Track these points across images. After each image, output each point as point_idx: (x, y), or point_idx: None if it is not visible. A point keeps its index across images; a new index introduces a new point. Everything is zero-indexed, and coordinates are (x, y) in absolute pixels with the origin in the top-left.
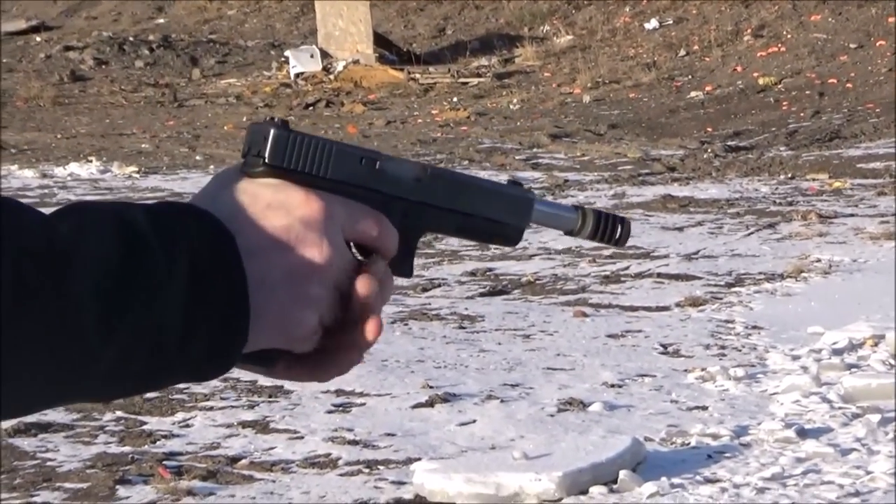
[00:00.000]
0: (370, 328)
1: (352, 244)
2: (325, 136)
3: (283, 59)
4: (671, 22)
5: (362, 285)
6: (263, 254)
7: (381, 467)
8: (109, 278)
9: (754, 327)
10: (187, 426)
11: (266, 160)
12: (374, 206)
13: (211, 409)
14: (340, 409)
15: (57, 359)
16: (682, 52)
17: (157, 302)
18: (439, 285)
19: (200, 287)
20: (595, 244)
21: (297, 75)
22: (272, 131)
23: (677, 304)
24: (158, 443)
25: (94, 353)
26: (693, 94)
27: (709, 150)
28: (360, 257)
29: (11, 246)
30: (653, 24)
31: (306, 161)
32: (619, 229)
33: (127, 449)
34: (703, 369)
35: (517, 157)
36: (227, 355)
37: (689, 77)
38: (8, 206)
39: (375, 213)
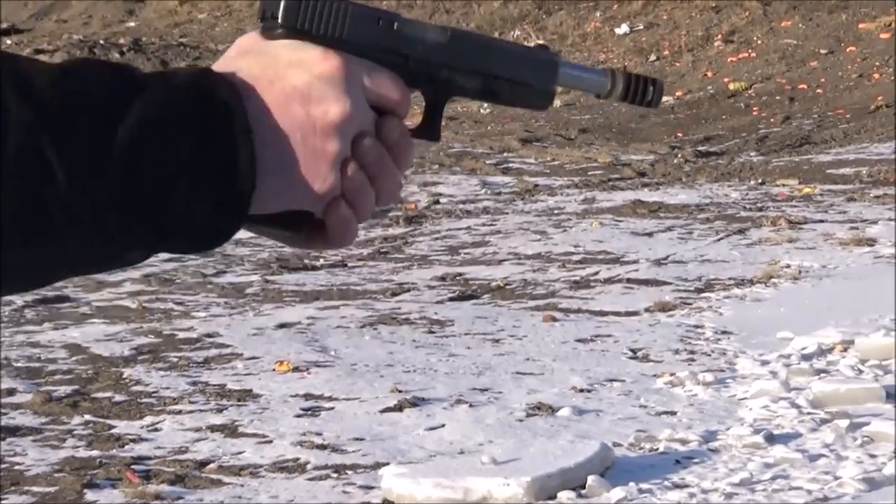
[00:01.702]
0: (388, 188)
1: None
2: None
3: None
4: (642, 27)
5: (390, 130)
6: (282, 109)
7: (349, 472)
8: (104, 89)
9: (724, 332)
10: (156, 430)
11: (280, 22)
12: (394, 68)
13: (179, 412)
14: (309, 413)
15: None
16: (653, 57)
17: (164, 137)
18: (409, 290)
19: (203, 131)
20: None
21: None
22: None
23: (647, 310)
24: (126, 447)
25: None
26: (664, 98)
27: (679, 156)
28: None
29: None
30: (623, 28)
31: (321, 22)
32: (651, 89)
33: (95, 453)
34: (672, 374)
35: (487, 162)
36: (239, 190)
37: None
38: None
39: (394, 75)
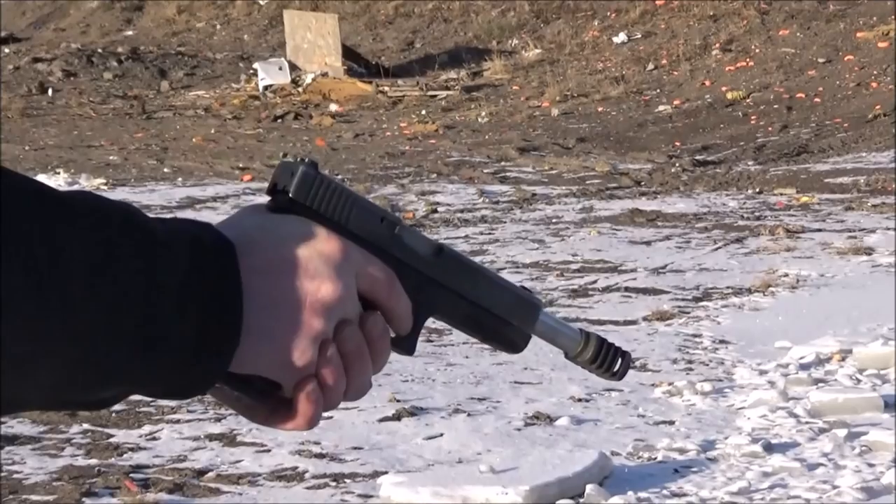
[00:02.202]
0: (360, 381)
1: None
2: (347, 186)
3: (251, 71)
4: (640, 36)
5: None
6: (274, 274)
7: (347, 480)
8: (101, 246)
9: (721, 342)
10: (154, 439)
11: (291, 195)
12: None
13: (178, 421)
14: None
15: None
16: (651, 66)
17: (153, 276)
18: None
19: (196, 275)
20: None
21: (266, 87)
22: (301, 168)
23: (645, 318)
24: (125, 455)
25: (76, 312)
26: (661, 108)
27: (677, 165)
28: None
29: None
30: (621, 38)
31: (329, 205)
32: (618, 362)
33: (94, 461)
34: (670, 384)
35: (485, 171)
36: (216, 354)
37: (658, 91)
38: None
39: (390, 271)
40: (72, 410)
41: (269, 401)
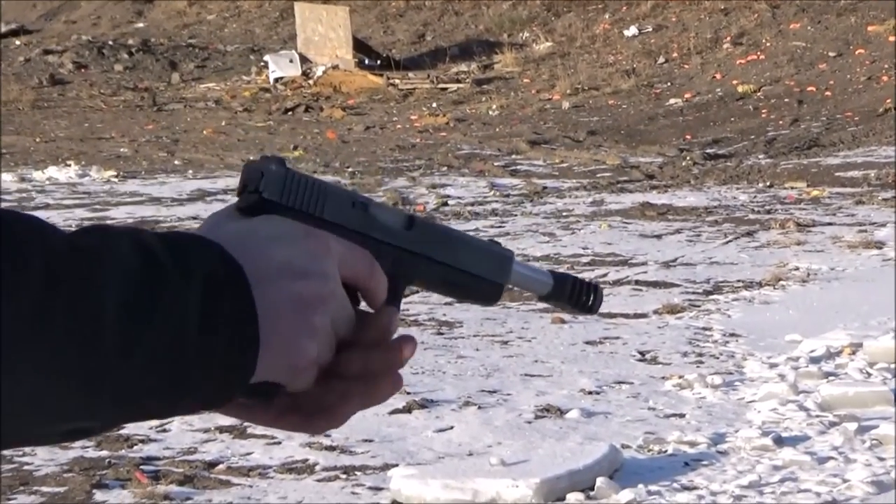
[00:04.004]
0: (386, 385)
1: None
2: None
3: (262, 63)
4: (651, 29)
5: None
6: (269, 282)
7: (358, 473)
8: (131, 286)
9: (732, 335)
10: (164, 431)
11: (263, 195)
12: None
13: None
14: None
15: (74, 367)
16: (662, 60)
17: (175, 312)
18: (417, 291)
19: (214, 304)
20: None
21: (277, 80)
22: (270, 167)
23: (655, 312)
24: (136, 447)
25: (110, 360)
26: (672, 101)
27: (687, 158)
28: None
29: (41, 243)
30: (632, 31)
31: (302, 199)
32: (591, 297)
33: (104, 453)
34: (680, 377)
35: (496, 164)
36: (241, 374)
37: (669, 84)
38: (27, 216)
39: (369, 255)
40: (79, 439)
41: (276, 403)
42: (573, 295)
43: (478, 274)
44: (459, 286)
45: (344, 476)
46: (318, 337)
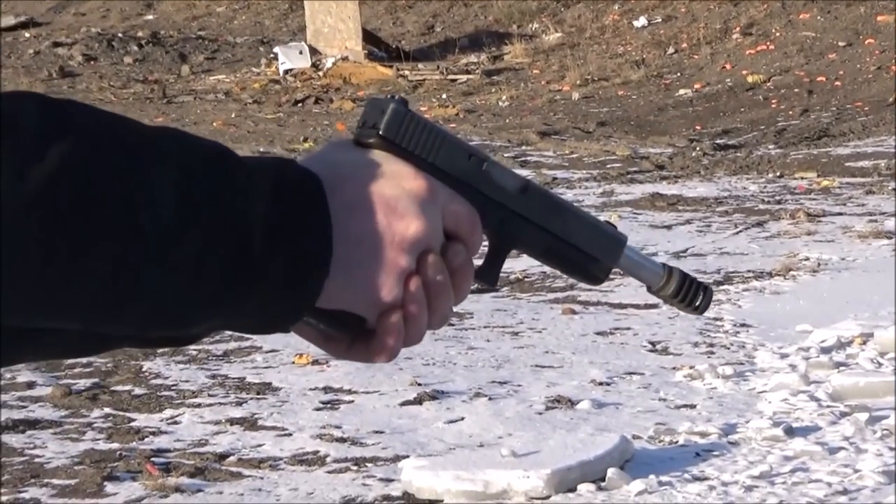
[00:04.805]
0: (442, 311)
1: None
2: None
3: (272, 55)
4: (660, 20)
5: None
6: (364, 211)
7: (369, 464)
8: (189, 178)
9: (743, 325)
10: (175, 423)
11: (381, 132)
12: (473, 204)
13: (199, 405)
14: (328, 406)
15: (127, 246)
16: (671, 50)
17: (237, 204)
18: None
19: (281, 206)
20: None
21: (287, 72)
22: (391, 106)
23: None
24: (146, 439)
25: (167, 247)
26: (682, 91)
27: (697, 149)
28: None
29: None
30: (642, 21)
31: (418, 143)
32: (700, 296)
33: (115, 445)
34: (691, 367)
35: (506, 155)
36: (305, 285)
37: (678, 75)
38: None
39: (474, 210)
40: (159, 347)
41: (351, 334)
42: (681, 291)
43: (585, 250)
44: (564, 259)
45: (355, 468)
46: (404, 277)
